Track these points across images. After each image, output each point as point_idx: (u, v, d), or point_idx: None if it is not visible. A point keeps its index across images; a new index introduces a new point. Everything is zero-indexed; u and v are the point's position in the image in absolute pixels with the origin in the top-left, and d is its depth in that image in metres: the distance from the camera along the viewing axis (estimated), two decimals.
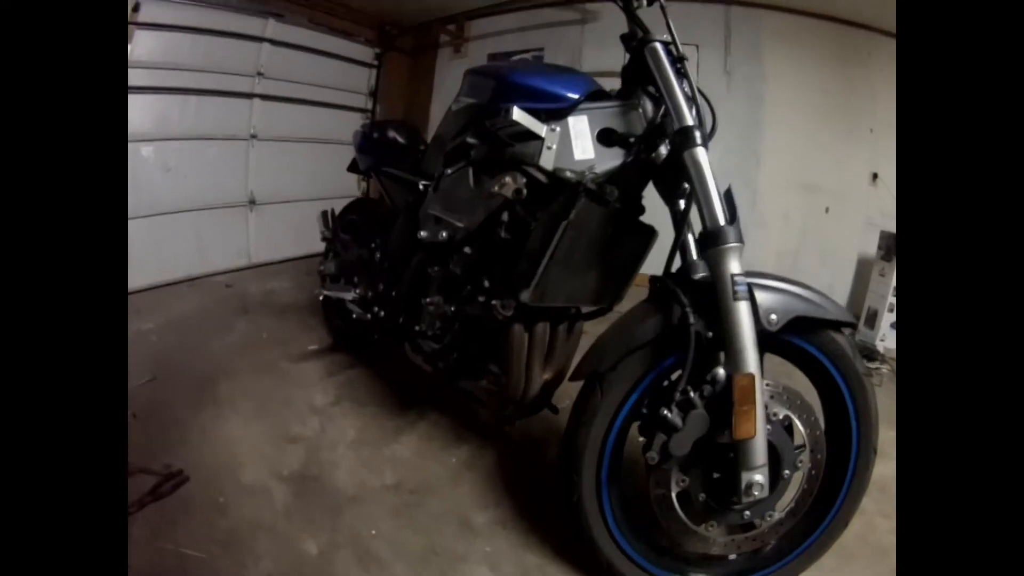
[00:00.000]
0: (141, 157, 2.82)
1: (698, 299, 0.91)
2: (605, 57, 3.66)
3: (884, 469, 1.57)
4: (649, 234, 1.15)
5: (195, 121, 3.05)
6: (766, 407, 0.89)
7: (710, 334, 0.89)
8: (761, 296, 0.87)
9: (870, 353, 2.54)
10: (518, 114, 1.05)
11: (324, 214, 2.16)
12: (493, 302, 1.16)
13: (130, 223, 2.68)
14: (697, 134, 0.94)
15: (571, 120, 1.11)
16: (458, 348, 1.37)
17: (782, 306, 0.87)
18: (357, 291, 1.75)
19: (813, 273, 3.30)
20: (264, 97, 3.41)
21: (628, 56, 1.10)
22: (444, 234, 1.31)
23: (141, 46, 2.71)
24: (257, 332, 2.31)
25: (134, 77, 2.64)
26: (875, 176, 3.25)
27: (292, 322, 2.48)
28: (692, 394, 0.87)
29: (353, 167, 2.24)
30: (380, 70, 4.15)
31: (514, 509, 1.34)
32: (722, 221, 0.90)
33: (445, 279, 1.35)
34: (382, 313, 1.65)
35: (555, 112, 1.11)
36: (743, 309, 0.85)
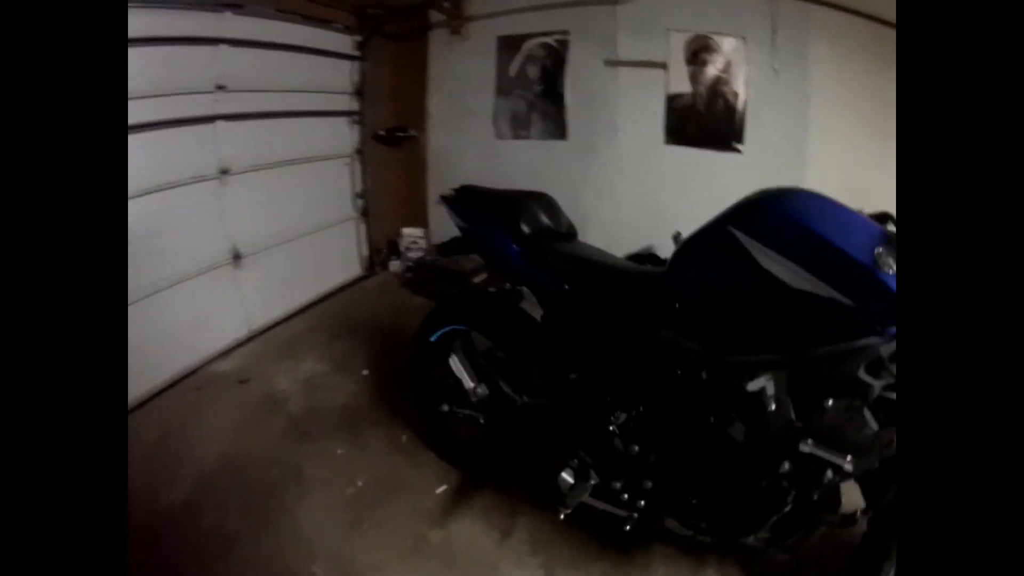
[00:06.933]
0: None
1: None
2: (645, 45, 3.53)
3: None
4: None
5: (143, 169, 2.36)
6: None
7: None
8: None
9: None
10: None
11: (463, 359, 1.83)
12: None
13: None
14: None
15: None
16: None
17: None
18: (593, 481, 1.49)
19: None
20: (229, 117, 2.82)
21: None
22: None
23: None
24: (344, 478, 1.94)
25: None
26: None
27: (378, 443, 2.14)
28: None
29: (453, 248, 1.88)
30: (364, 62, 3.62)
31: None
32: None
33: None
34: (642, 503, 1.45)
35: None
36: None
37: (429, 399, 1.98)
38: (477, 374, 1.80)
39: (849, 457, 1.17)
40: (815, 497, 1.25)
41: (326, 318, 3.29)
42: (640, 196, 3.62)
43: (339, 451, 2.09)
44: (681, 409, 1.35)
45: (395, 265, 4.02)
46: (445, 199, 1.84)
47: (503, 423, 1.78)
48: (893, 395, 1.18)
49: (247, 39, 2.85)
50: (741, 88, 3.52)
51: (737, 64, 3.50)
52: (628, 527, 1.45)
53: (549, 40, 3.61)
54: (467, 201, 1.80)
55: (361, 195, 3.85)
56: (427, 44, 3.84)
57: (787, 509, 1.27)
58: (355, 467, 2.00)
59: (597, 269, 1.54)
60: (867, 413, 1.19)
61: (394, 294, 3.71)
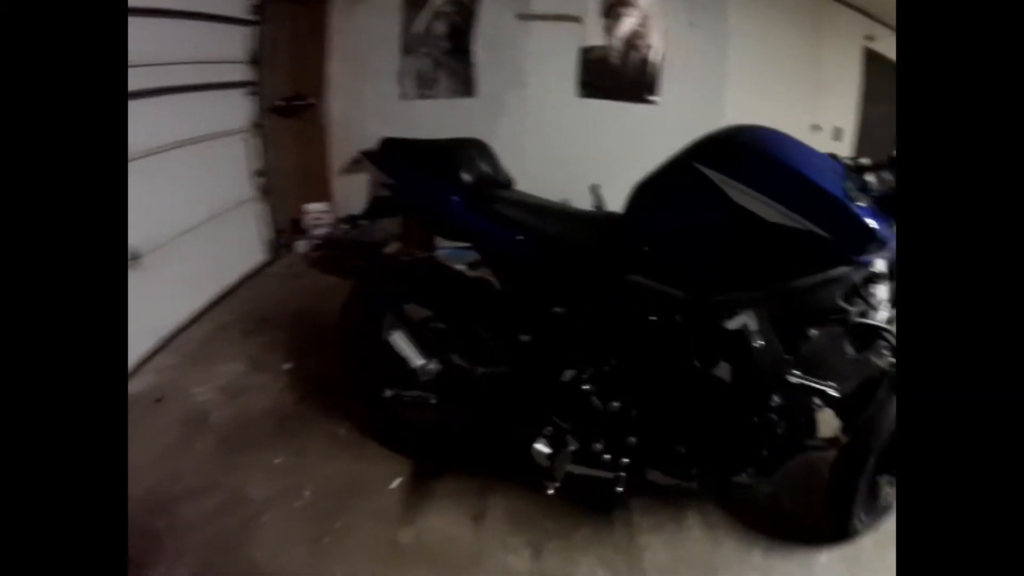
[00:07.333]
0: None
1: None
2: None
3: None
4: None
5: None
6: None
7: None
8: None
9: None
10: None
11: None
12: None
13: None
14: None
15: None
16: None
17: None
18: (571, 447, 1.39)
19: None
20: None
21: None
22: None
23: None
24: (289, 490, 1.71)
25: None
26: (817, 127, 3.59)
27: (316, 444, 1.92)
28: None
29: (377, 211, 1.70)
30: (261, 27, 3.22)
31: None
32: None
33: None
34: (627, 461, 1.38)
35: None
36: None
37: (368, 385, 1.80)
38: (423, 350, 1.64)
39: (832, 383, 1.18)
40: (799, 426, 1.26)
41: (235, 312, 2.96)
42: (552, 150, 3.53)
43: (276, 461, 1.85)
44: (660, 357, 1.29)
45: (301, 245, 3.70)
46: (368, 155, 1.63)
47: (460, 400, 1.64)
48: (867, 320, 1.20)
49: (130, 7, 2.42)
50: (657, 41, 3.51)
51: (654, 18, 3.49)
52: (620, 488, 1.38)
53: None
54: (394, 154, 1.60)
55: (261, 173, 3.46)
56: (328, 4, 3.51)
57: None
58: (298, 476, 1.78)
59: (553, 216, 1.43)
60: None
61: (303, 277, 3.42)
